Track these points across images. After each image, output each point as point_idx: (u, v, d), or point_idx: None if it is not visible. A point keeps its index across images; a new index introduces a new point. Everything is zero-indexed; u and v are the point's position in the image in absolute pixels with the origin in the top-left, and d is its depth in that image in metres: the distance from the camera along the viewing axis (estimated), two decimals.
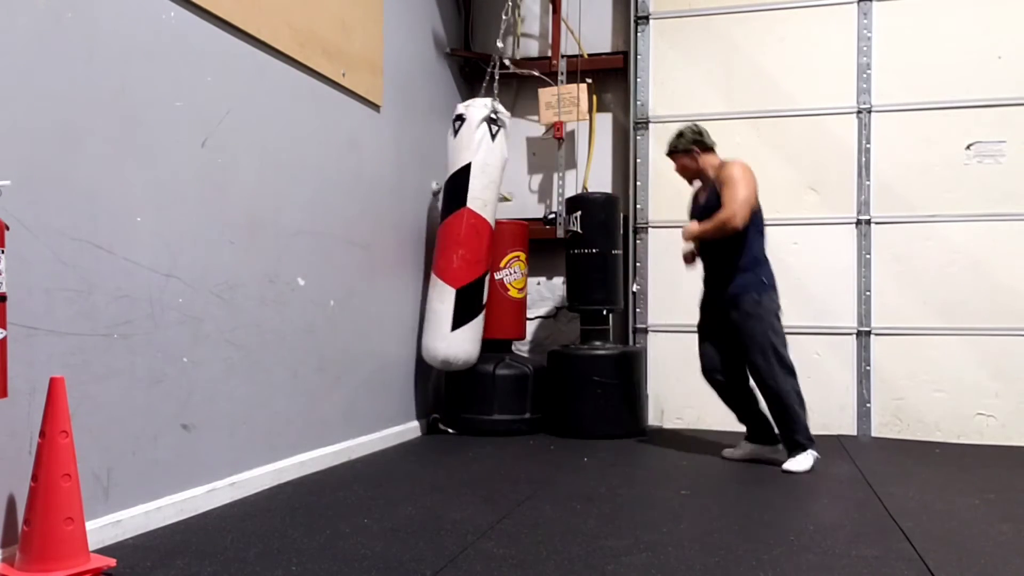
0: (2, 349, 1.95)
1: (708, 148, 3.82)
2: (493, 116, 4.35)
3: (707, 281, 3.86)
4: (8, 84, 2.12)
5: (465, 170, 4.29)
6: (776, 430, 3.73)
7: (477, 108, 4.34)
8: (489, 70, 4.80)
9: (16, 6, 2.14)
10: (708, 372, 3.88)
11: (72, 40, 2.31)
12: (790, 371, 3.65)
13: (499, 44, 4.83)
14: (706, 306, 3.88)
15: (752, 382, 3.77)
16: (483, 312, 4.44)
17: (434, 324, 4.31)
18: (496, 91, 4.72)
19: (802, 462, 3.56)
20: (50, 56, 2.24)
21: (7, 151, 2.11)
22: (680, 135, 3.86)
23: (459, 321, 4.29)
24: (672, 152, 3.90)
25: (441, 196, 4.48)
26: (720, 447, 4.03)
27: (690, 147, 3.81)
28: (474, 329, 4.36)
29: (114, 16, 2.45)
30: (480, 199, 4.32)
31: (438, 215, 4.91)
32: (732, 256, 3.69)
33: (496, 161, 4.40)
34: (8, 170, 2.10)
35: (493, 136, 4.33)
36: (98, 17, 2.40)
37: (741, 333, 3.67)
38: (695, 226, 3.75)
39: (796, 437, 3.60)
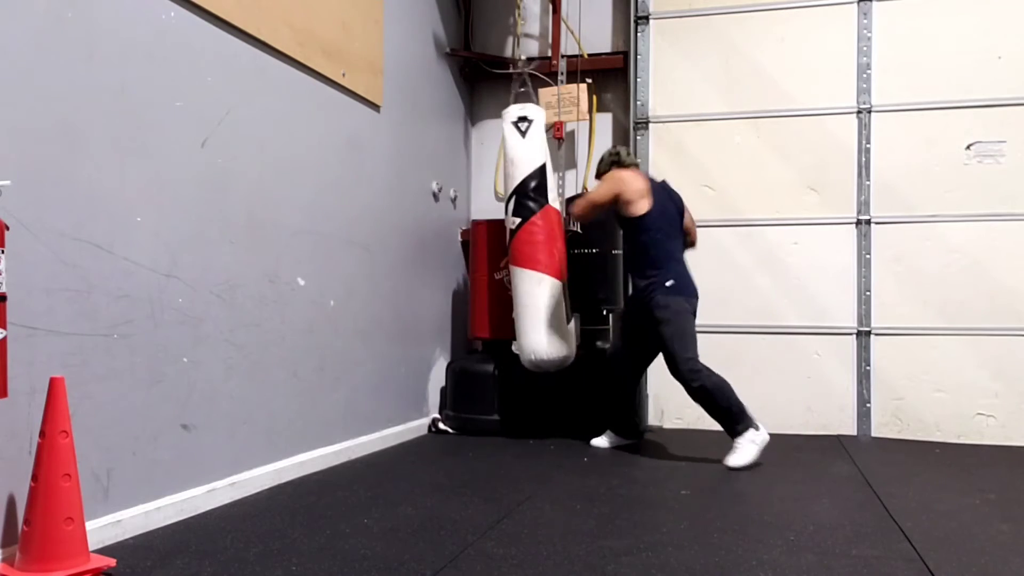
0: (2, 349, 1.95)
1: (626, 166, 4.04)
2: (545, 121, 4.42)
3: (631, 281, 4.13)
4: (8, 84, 2.12)
5: (542, 169, 4.30)
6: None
7: (538, 110, 4.37)
8: (525, 72, 4.78)
9: (16, 6, 2.14)
10: (612, 358, 4.18)
11: (72, 40, 2.31)
12: (700, 370, 3.74)
13: (519, 50, 4.84)
14: (629, 302, 4.20)
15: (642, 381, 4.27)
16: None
17: (552, 322, 4.19)
18: (535, 95, 4.72)
19: (743, 455, 3.65)
20: (50, 56, 2.24)
21: (7, 151, 2.11)
22: (601, 159, 4.15)
23: (570, 314, 4.32)
24: (597, 175, 4.17)
25: (514, 196, 4.31)
26: (721, 448, 4.02)
27: (609, 168, 4.06)
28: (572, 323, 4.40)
29: (114, 16, 2.45)
30: (556, 198, 4.41)
31: (438, 216, 4.92)
32: (636, 259, 3.95)
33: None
34: (8, 170, 2.10)
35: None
36: (98, 17, 2.40)
37: (655, 337, 3.84)
38: (580, 202, 4.10)
39: (736, 427, 3.71)
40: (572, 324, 4.33)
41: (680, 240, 3.98)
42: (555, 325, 4.20)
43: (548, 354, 4.19)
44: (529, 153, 4.30)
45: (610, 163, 4.08)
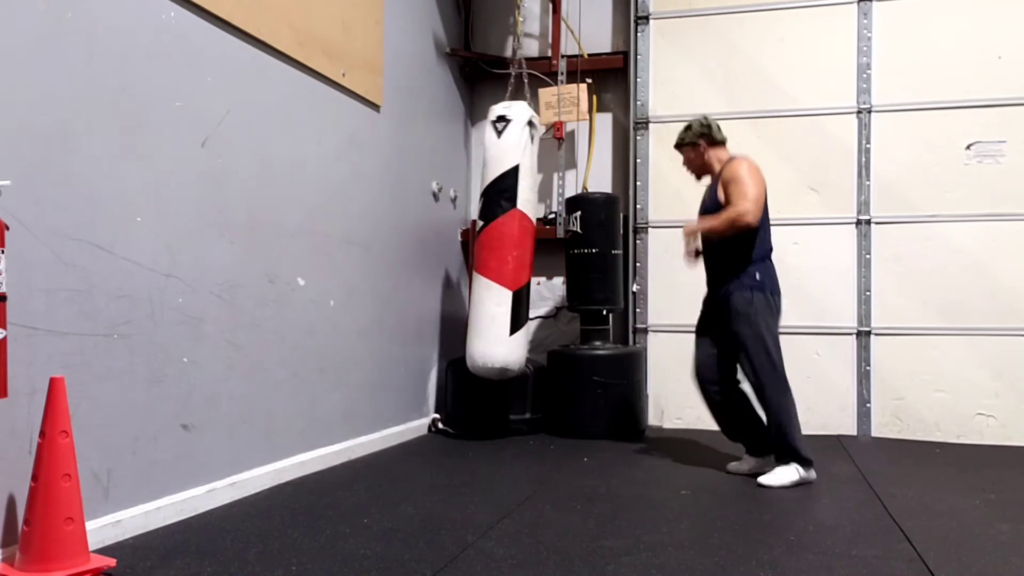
0: (2, 349, 1.95)
1: (716, 142, 3.62)
2: (532, 120, 4.30)
3: (708, 280, 3.68)
4: (8, 84, 2.12)
5: (514, 171, 4.22)
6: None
7: (521, 110, 4.28)
8: (515, 72, 4.79)
9: (16, 6, 2.14)
10: (699, 378, 3.67)
11: (72, 40, 2.31)
12: (781, 379, 3.41)
13: (517, 46, 4.84)
14: (707, 304, 3.69)
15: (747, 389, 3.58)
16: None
17: (490, 330, 4.11)
18: (528, 94, 4.72)
19: (781, 476, 3.35)
20: (50, 56, 2.24)
21: (7, 151, 2.11)
22: (688, 128, 3.68)
23: (516, 325, 4.16)
24: (679, 145, 3.72)
25: (482, 198, 4.32)
26: (720, 447, 4.03)
27: (696, 140, 3.62)
28: (526, 334, 4.29)
29: (114, 16, 2.45)
30: (529, 201, 4.28)
31: (438, 216, 4.92)
32: (731, 254, 3.50)
33: (535, 165, 4.38)
34: (8, 170, 2.10)
35: (532, 139, 4.30)
36: (98, 17, 2.40)
37: (732, 333, 3.47)
38: (701, 221, 3.54)
39: (785, 449, 3.37)
40: (519, 336, 4.18)
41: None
42: (493, 335, 4.09)
43: (483, 363, 4.14)
44: (501, 154, 4.25)
45: (699, 133, 3.61)
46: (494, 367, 4.14)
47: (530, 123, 4.30)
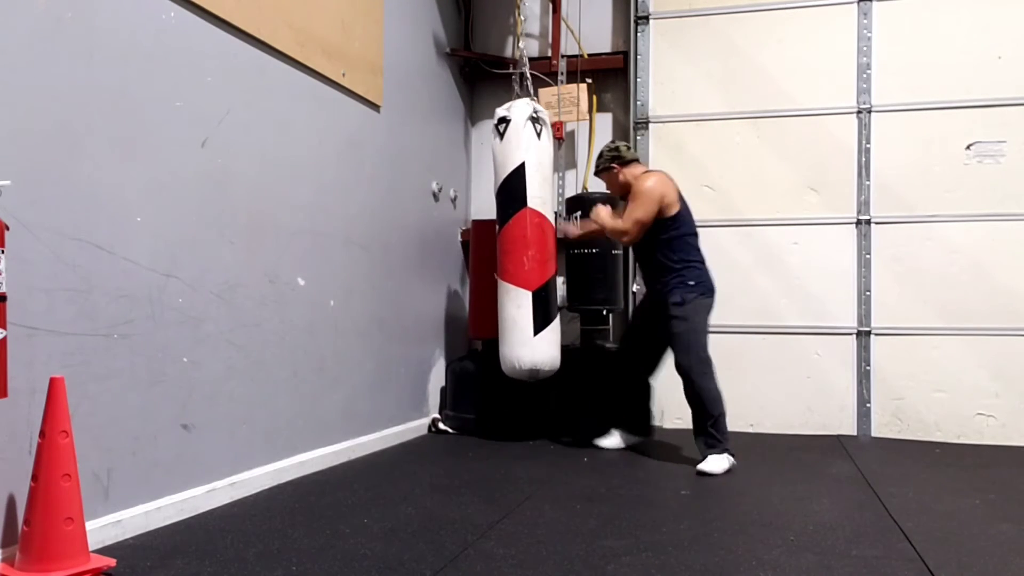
0: (2, 349, 1.95)
1: (627, 161, 3.91)
2: (535, 115, 4.22)
3: (644, 278, 4.02)
4: (8, 84, 2.12)
5: (520, 170, 4.15)
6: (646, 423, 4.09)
7: (521, 108, 4.22)
8: (519, 71, 4.78)
9: (16, 6, 2.14)
10: (623, 346, 4.13)
11: (72, 40, 2.31)
12: (707, 364, 3.72)
13: (522, 45, 4.82)
14: (645, 298, 4.04)
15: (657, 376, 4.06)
16: (559, 314, 4.31)
17: (514, 332, 4.12)
18: (532, 91, 4.71)
19: (716, 464, 3.57)
20: (50, 56, 2.24)
21: (7, 151, 2.11)
22: (600, 155, 3.99)
23: (540, 325, 4.12)
24: (596, 173, 4.03)
25: (496, 203, 4.30)
26: None
27: (609, 165, 3.92)
28: (555, 332, 4.20)
29: (114, 16, 2.45)
30: (539, 197, 4.19)
31: (438, 216, 4.92)
32: (658, 258, 3.80)
33: (547, 159, 4.28)
34: (8, 170, 2.10)
35: (539, 134, 4.21)
36: (98, 17, 2.40)
37: (667, 334, 3.77)
38: (605, 215, 3.89)
39: (710, 437, 3.64)
40: (546, 335, 4.13)
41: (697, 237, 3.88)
42: (519, 337, 4.12)
43: (512, 366, 4.15)
44: (505, 155, 4.22)
45: (611, 159, 3.92)
46: (523, 369, 4.13)
47: (533, 119, 4.22)
